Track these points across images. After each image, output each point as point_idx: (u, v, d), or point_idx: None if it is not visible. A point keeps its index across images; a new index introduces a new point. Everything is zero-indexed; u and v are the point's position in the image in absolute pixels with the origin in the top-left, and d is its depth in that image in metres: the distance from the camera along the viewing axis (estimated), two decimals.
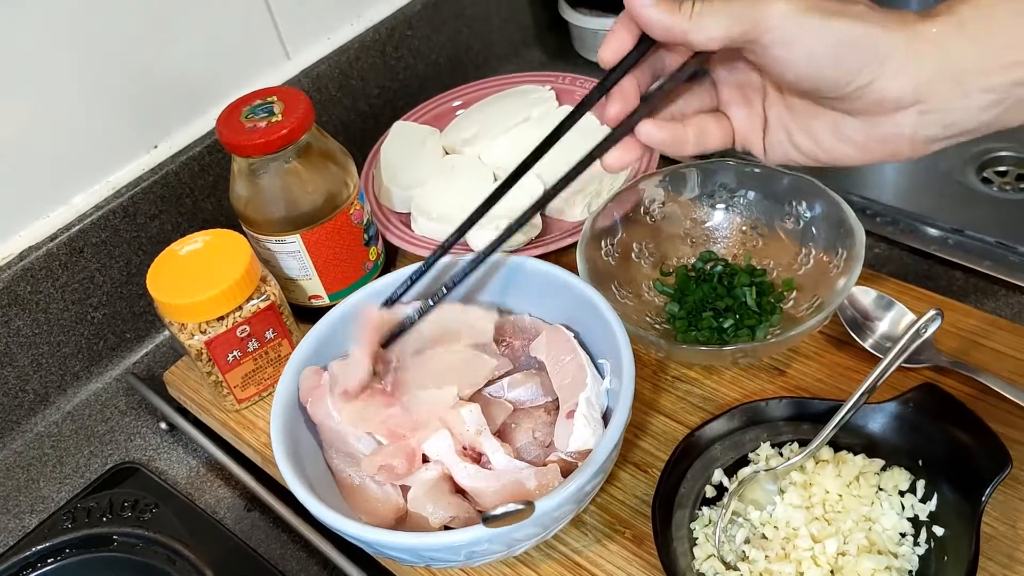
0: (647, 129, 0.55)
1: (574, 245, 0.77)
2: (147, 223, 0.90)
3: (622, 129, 0.56)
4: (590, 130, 0.89)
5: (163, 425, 0.86)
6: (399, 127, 0.98)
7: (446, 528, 0.60)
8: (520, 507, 0.48)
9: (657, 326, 0.76)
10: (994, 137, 1.18)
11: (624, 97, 0.55)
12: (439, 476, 0.63)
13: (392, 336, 0.65)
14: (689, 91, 0.57)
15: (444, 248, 0.65)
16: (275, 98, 0.77)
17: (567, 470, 0.61)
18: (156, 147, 0.91)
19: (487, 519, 0.47)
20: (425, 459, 0.64)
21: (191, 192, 0.92)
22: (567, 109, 0.97)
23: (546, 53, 1.20)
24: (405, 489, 0.64)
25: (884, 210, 0.89)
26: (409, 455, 0.62)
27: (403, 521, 0.63)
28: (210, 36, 0.90)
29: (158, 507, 0.69)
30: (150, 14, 0.85)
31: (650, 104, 0.56)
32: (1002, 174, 1.16)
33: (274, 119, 0.75)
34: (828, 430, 0.62)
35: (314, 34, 0.99)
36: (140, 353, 0.94)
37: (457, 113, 1.01)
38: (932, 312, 0.62)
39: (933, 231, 0.86)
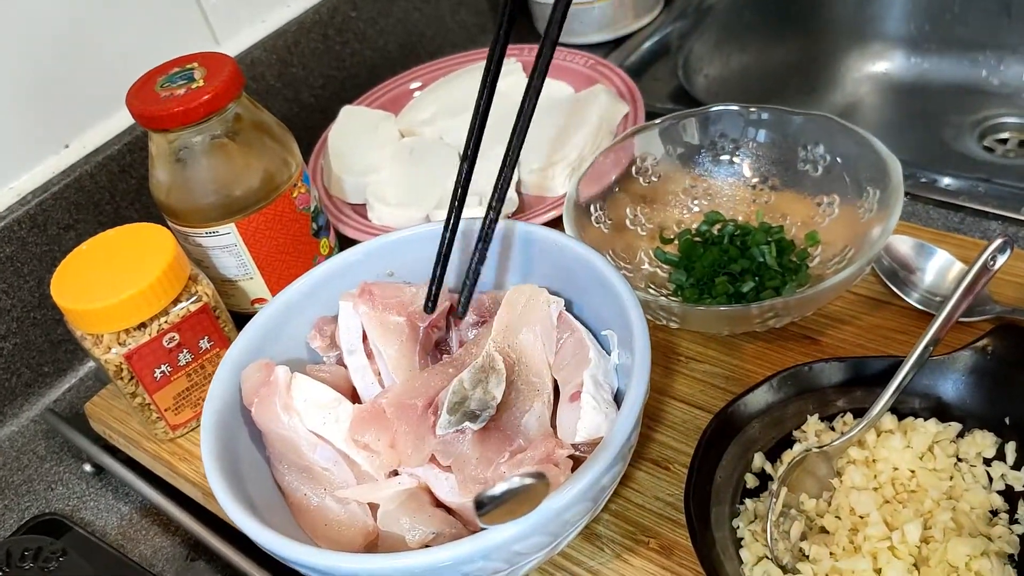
0: None
1: (559, 220, 0.66)
2: (61, 234, 0.77)
3: None
4: (571, 113, 0.80)
5: (88, 467, 0.73)
6: (348, 111, 0.87)
7: (427, 547, 0.48)
8: (528, 481, 0.35)
9: (663, 299, 0.65)
10: (994, 103, 1.12)
11: None
12: (415, 487, 0.51)
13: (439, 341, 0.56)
14: None
15: (451, 231, 0.56)
16: (195, 64, 0.66)
17: (576, 466, 0.49)
18: (67, 147, 0.79)
19: (481, 503, 0.34)
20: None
21: (111, 197, 0.80)
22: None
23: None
24: (374, 509, 0.51)
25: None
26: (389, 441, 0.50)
27: (374, 547, 0.51)
28: (126, 18, 0.79)
29: (65, 555, 0.55)
30: None
31: None
32: (1003, 141, 1.09)
33: (195, 85, 0.63)
34: (889, 393, 0.51)
35: (245, 16, 0.88)
36: (61, 388, 0.80)
37: (415, 95, 0.90)
38: (1000, 240, 0.51)
39: (958, 181, 0.76)
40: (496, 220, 0.55)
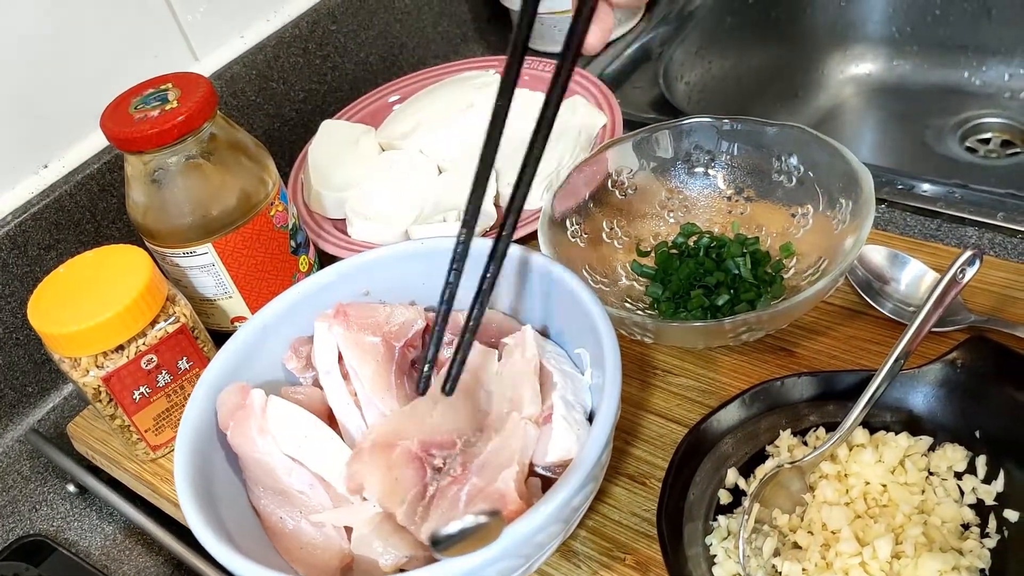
0: None
1: (535, 234, 0.66)
2: (41, 255, 0.77)
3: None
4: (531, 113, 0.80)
5: (72, 488, 0.73)
6: (328, 126, 0.87)
7: (401, 572, 0.48)
8: (481, 520, 0.35)
9: (639, 312, 0.65)
10: (976, 104, 1.13)
11: None
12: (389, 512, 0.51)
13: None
14: None
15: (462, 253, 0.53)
16: (169, 84, 0.66)
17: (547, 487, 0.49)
18: (46, 167, 0.79)
19: (437, 541, 0.35)
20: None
21: (92, 217, 0.80)
22: (519, 93, 0.87)
23: (488, 48, 1.10)
24: (350, 532, 0.52)
25: (876, 171, 0.79)
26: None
27: (349, 571, 0.51)
28: (103, 36, 0.79)
29: None
30: (33, 11, 0.74)
31: None
32: (985, 141, 1.09)
33: (168, 107, 0.63)
34: (860, 407, 0.51)
35: (224, 32, 0.88)
36: (45, 408, 0.80)
37: (394, 108, 0.90)
38: (969, 252, 0.51)
39: (935, 188, 0.76)
40: (495, 275, 0.52)
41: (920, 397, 0.53)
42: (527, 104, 0.84)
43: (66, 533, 0.70)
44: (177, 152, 0.64)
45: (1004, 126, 1.10)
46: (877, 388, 0.51)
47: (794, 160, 0.66)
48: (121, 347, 0.62)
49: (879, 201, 0.75)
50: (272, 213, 0.69)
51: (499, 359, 0.57)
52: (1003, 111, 1.10)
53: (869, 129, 1.16)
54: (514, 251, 0.58)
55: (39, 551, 0.67)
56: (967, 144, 1.10)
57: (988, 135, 1.10)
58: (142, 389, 0.63)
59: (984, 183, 0.75)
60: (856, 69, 1.17)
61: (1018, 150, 1.07)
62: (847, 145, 0.64)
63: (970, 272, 0.52)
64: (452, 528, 0.34)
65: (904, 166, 1.09)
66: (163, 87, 0.66)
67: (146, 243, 0.69)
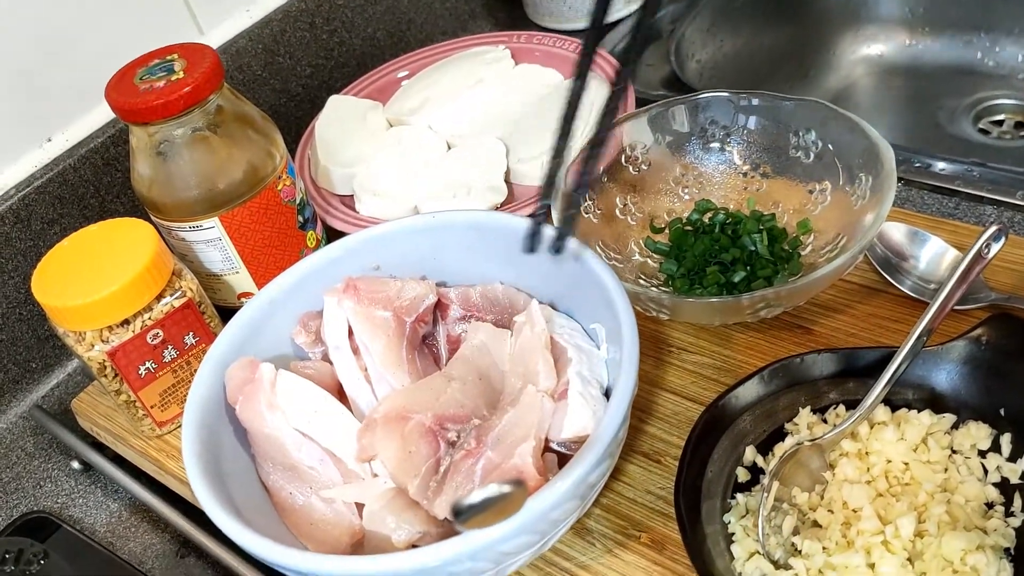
0: None
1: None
2: (45, 229, 0.76)
3: None
4: (559, 101, 0.78)
5: (76, 464, 0.72)
6: (335, 101, 0.85)
7: (413, 548, 0.47)
8: (505, 489, 0.34)
9: (655, 288, 0.64)
10: (989, 85, 1.11)
11: None
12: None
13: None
14: None
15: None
16: (176, 55, 0.64)
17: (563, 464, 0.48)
18: (50, 140, 0.78)
19: (459, 512, 0.34)
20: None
21: (96, 191, 0.79)
22: (525, 69, 0.86)
23: (497, 24, 1.08)
24: (361, 508, 0.51)
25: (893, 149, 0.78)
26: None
27: (360, 547, 0.50)
28: (109, 9, 0.78)
29: (47, 557, 0.55)
30: None
31: None
32: (999, 123, 1.08)
33: (174, 77, 0.62)
34: (882, 385, 0.50)
35: (230, 5, 0.87)
36: (49, 385, 0.80)
37: (403, 84, 0.88)
38: (994, 227, 0.50)
39: (952, 166, 0.75)
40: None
41: (943, 375, 0.52)
42: (534, 79, 0.84)
43: (70, 510, 0.70)
44: (183, 124, 0.63)
45: (1017, 107, 1.08)
46: (899, 365, 0.50)
47: (812, 135, 0.65)
48: (127, 321, 0.61)
49: (897, 179, 0.74)
50: (279, 187, 0.68)
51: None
52: (1016, 92, 1.09)
53: (881, 110, 1.15)
54: (524, 224, 0.57)
55: (43, 528, 0.66)
56: (980, 125, 1.09)
57: (1001, 116, 1.09)
58: (148, 364, 0.62)
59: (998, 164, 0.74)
60: (868, 49, 1.15)
61: None
62: None
63: (995, 248, 0.51)
64: (475, 498, 0.33)
65: (917, 148, 1.08)
66: (169, 58, 0.64)
67: (152, 217, 0.68)
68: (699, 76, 1.01)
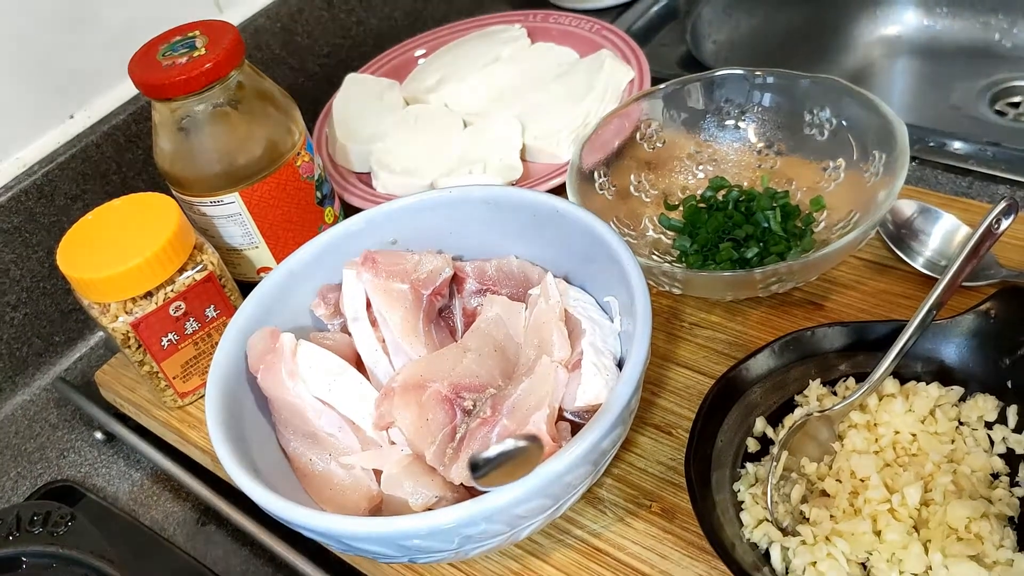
0: None
1: (564, 187, 0.65)
2: (68, 205, 0.78)
3: None
4: (576, 79, 0.79)
5: (99, 435, 0.74)
6: (353, 79, 0.86)
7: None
8: (521, 444, 0.35)
9: (666, 264, 0.64)
10: (1006, 66, 1.11)
11: None
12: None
13: None
14: None
15: None
16: (197, 32, 0.65)
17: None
18: (72, 117, 0.79)
19: (476, 465, 0.35)
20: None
21: (118, 168, 0.80)
22: (541, 47, 0.87)
23: (511, 3, 1.09)
24: (379, 474, 0.52)
25: (908, 129, 0.78)
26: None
27: (378, 512, 0.51)
28: None
29: (74, 519, 0.56)
30: None
31: None
32: (1015, 105, 1.07)
33: (196, 54, 0.63)
34: (891, 357, 0.51)
35: None
36: (72, 358, 0.81)
37: (419, 63, 0.89)
38: (1005, 203, 0.51)
39: (966, 145, 0.75)
40: None
41: (952, 348, 0.52)
42: (550, 57, 0.84)
43: (93, 479, 0.71)
44: (204, 100, 0.64)
45: None
46: (908, 338, 0.51)
47: (827, 113, 0.65)
48: (149, 293, 0.62)
49: (911, 158, 0.74)
50: (298, 163, 0.69)
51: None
52: None
53: (898, 91, 1.15)
54: (540, 198, 0.58)
55: (68, 496, 0.68)
56: (997, 107, 1.08)
57: (1018, 98, 1.08)
58: (170, 336, 0.64)
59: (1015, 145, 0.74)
60: (885, 30, 1.15)
61: None
62: None
63: (1005, 223, 0.51)
64: (492, 451, 0.34)
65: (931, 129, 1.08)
66: (191, 34, 0.65)
67: (173, 192, 0.69)
68: (716, 56, 1.01)
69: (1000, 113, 1.07)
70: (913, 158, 0.74)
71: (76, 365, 0.81)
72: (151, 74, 0.63)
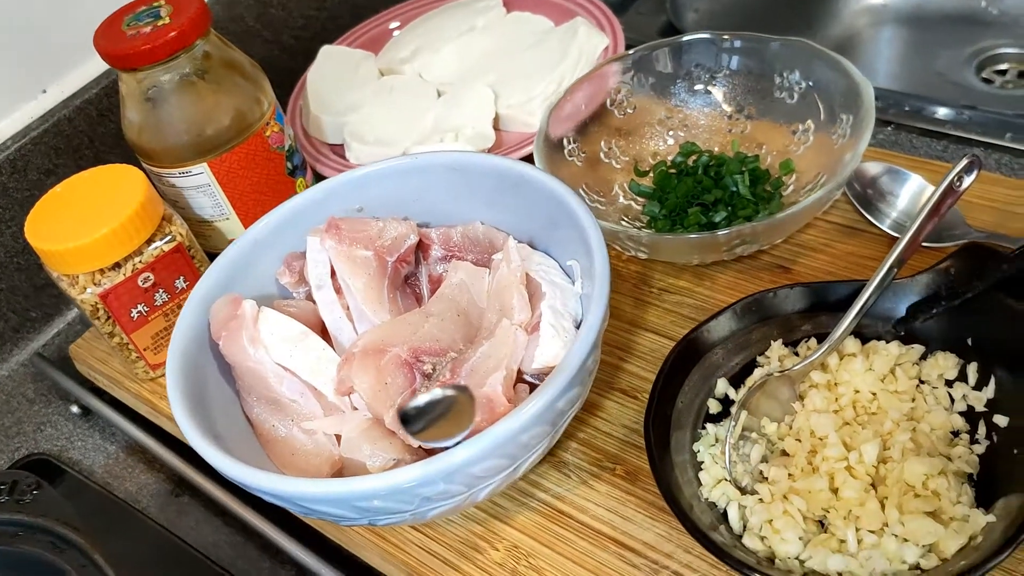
0: None
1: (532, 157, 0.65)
2: (42, 179, 0.78)
3: None
4: (549, 47, 0.79)
5: (75, 409, 0.74)
6: (327, 51, 0.86)
7: None
8: (449, 392, 0.35)
9: (634, 226, 0.64)
10: (992, 33, 1.10)
11: None
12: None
13: None
14: None
15: None
16: (162, 2, 0.65)
17: None
18: (45, 92, 0.79)
19: (406, 417, 0.34)
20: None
21: (90, 141, 0.80)
22: (516, 16, 0.86)
23: None
24: (340, 440, 0.52)
25: (884, 94, 0.78)
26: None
27: (340, 476, 0.51)
28: None
29: (40, 488, 0.57)
30: None
31: None
32: (1002, 72, 1.07)
33: (161, 23, 0.63)
34: (851, 317, 0.51)
35: None
36: (49, 333, 0.81)
37: (394, 34, 0.89)
38: (966, 160, 0.50)
39: (943, 109, 0.75)
40: None
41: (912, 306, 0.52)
42: (524, 26, 0.84)
43: (70, 452, 0.71)
44: (171, 69, 0.64)
45: (1020, 56, 1.07)
46: (868, 297, 0.51)
47: (796, 75, 0.65)
48: (118, 264, 0.62)
49: (886, 123, 0.74)
50: (268, 134, 0.69)
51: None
52: (1020, 41, 1.07)
53: (884, 60, 1.14)
54: (506, 164, 0.58)
55: (44, 468, 0.68)
56: (983, 75, 1.08)
57: (1005, 66, 1.08)
58: (140, 307, 0.64)
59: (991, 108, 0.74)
60: None
61: None
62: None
63: (968, 180, 0.51)
64: (419, 400, 0.34)
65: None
66: (155, 4, 0.65)
67: (143, 164, 0.69)
68: (697, 26, 1.00)
69: (987, 81, 1.06)
70: (889, 123, 0.74)
71: (53, 340, 0.81)
72: (115, 44, 0.62)
